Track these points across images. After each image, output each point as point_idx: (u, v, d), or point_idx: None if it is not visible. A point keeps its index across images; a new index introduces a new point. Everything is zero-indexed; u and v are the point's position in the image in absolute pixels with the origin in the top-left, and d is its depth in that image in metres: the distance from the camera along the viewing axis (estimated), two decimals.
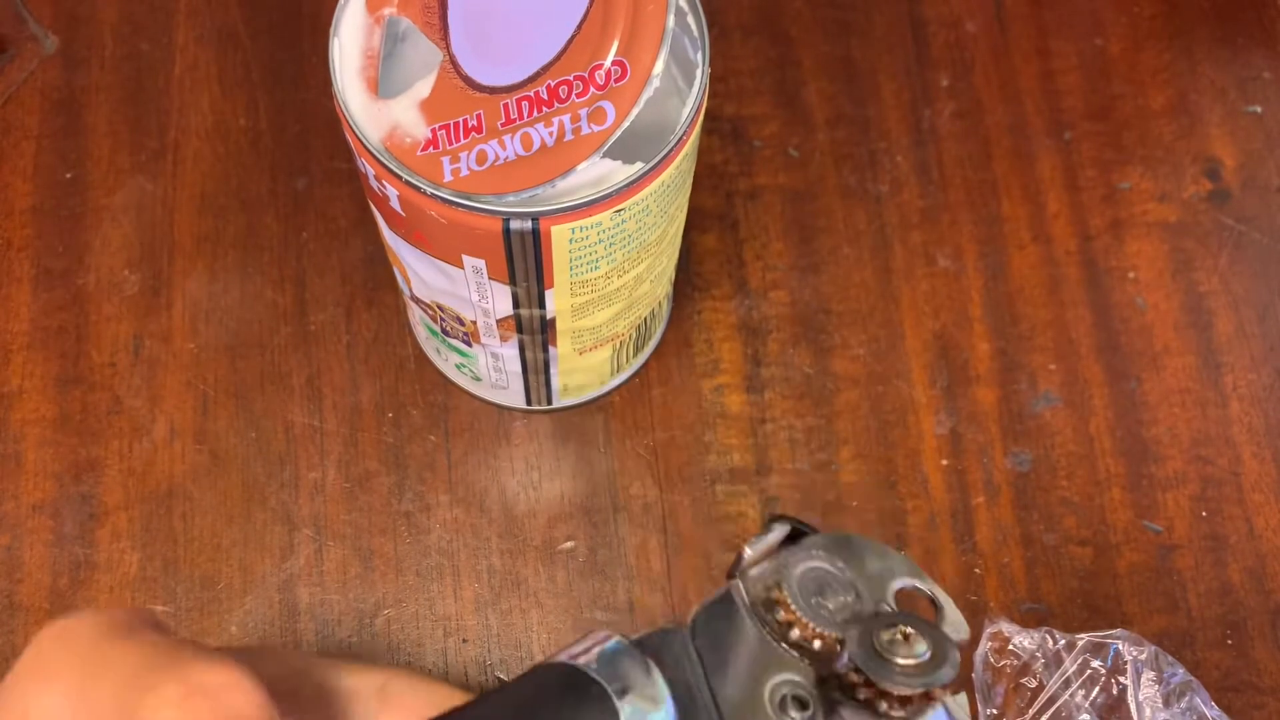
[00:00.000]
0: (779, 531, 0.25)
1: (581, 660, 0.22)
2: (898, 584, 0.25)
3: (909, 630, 0.23)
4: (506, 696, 0.22)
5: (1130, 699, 0.38)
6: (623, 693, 0.21)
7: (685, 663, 0.23)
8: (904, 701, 0.23)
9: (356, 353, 0.45)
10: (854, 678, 0.23)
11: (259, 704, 0.20)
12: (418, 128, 0.31)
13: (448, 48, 0.31)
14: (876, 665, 0.22)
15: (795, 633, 0.23)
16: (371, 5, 0.32)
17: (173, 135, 0.48)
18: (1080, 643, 0.39)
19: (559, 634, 0.42)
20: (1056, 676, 0.39)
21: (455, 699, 0.24)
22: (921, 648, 0.22)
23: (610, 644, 0.22)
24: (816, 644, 0.24)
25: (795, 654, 0.24)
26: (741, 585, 0.24)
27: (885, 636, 0.22)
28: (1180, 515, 0.44)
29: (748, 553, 0.24)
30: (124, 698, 0.20)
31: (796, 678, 0.23)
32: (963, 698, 0.23)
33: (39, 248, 0.47)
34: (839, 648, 0.23)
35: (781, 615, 0.24)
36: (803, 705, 0.23)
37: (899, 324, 0.47)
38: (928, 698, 0.23)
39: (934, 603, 0.25)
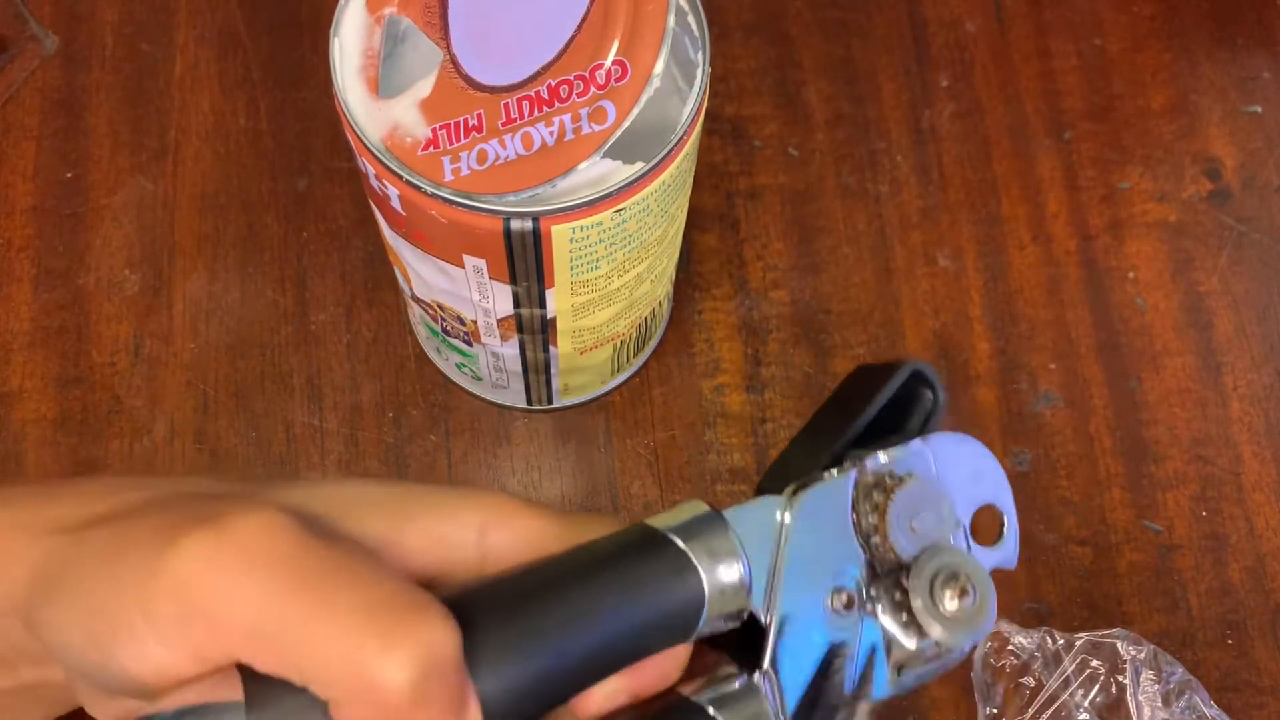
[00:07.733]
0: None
1: (662, 523, 0.23)
2: (979, 504, 0.27)
3: (965, 588, 0.24)
4: (589, 550, 0.23)
5: (1130, 698, 0.38)
6: (701, 552, 0.23)
7: (767, 529, 0.24)
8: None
9: (357, 352, 0.45)
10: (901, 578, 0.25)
11: (287, 553, 0.20)
12: (418, 127, 0.31)
13: (448, 47, 0.31)
14: (926, 609, 0.24)
15: (876, 539, 0.25)
16: (372, 5, 0.32)
17: (173, 135, 0.48)
18: (1079, 642, 0.39)
19: None
20: (1056, 676, 0.39)
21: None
22: (969, 600, 0.24)
23: (699, 512, 0.24)
24: (889, 556, 0.25)
25: (866, 553, 0.25)
26: (855, 474, 0.25)
27: (946, 593, 0.24)
28: (1180, 515, 0.44)
29: (879, 459, 0.26)
30: (153, 541, 0.20)
31: (857, 575, 0.25)
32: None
33: (39, 248, 0.47)
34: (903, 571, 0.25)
35: (874, 521, 0.25)
36: (849, 605, 0.25)
37: (899, 324, 0.47)
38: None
39: (1001, 528, 0.27)
